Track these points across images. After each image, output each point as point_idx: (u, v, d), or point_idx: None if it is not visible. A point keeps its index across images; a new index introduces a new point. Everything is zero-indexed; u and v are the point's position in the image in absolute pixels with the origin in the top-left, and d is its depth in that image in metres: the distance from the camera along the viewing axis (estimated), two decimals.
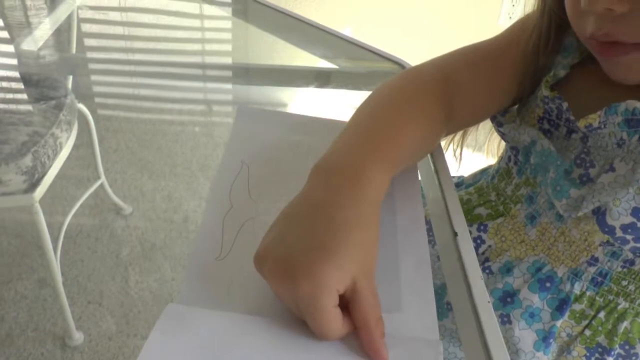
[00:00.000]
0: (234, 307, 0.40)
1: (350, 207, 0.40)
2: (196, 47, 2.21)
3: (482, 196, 0.66)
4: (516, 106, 0.63)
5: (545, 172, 0.56)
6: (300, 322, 0.37)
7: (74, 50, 1.31)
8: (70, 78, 1.29)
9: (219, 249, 0.44)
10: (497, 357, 0.39)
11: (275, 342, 0.36)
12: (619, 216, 0.50)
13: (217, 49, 2.22)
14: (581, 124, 0.53)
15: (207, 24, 2.15)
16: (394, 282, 0.43)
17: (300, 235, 0.38)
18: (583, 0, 0.46)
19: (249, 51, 2.16)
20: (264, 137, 0.57)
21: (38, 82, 1.21)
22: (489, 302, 0.43)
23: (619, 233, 0.51)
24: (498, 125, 0.62)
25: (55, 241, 1.50)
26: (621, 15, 0.45)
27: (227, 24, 2.17)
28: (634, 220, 0.50)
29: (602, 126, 0.52)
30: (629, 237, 0.51)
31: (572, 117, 0.54)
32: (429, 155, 0.58)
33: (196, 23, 2.15)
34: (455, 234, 0.48)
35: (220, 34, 2.23)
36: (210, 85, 2.21)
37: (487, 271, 0.61)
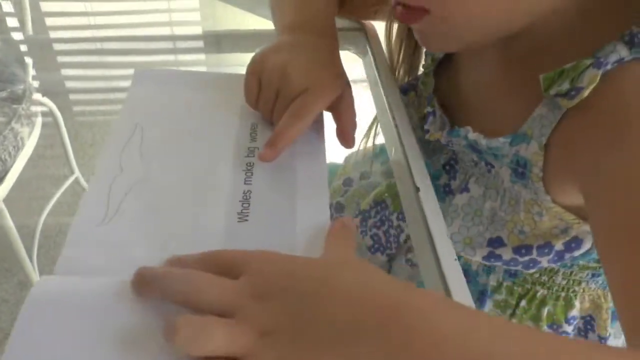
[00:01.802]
0: (115, 274, 0.36)
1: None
2: (165, 30, 2.15)
3: None
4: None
5: None
6: None
7: (30, 32, 1.24)
8: (30, 67, 1.24)
9: (104, 214, 0.41)
10: None
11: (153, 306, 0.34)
12: (475, 252, 0.50)
13: (187, 31, 2.16)
14: (431, 137, 0.52)
15: (174, 5, 2.10)
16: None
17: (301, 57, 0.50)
18: None
19: (218, 18, 2.10)
20: (161, 97, 0.54)
21: None
22: (455, 259, 0.39)
23: (486, 259, 0.50)
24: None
25: (31, 242, 1.46)
26: None
27: (195, 4, 2.11)
28: (491, 249, 0.49)
29: (450, 144, 0.50)
30: (498, 262, 0.50)
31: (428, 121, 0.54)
32: (388, 110, 0.54)
33: (163, 5, 2.10)
34: (417, 189, 0.45)
35: (188, 15, 2.17)
36: (181, 58, 2.15)
37: (410, 263, 0.59)
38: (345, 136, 0.50)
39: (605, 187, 0.37)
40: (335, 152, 0.67)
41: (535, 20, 0.42)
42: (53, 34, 2.02)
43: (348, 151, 0.77)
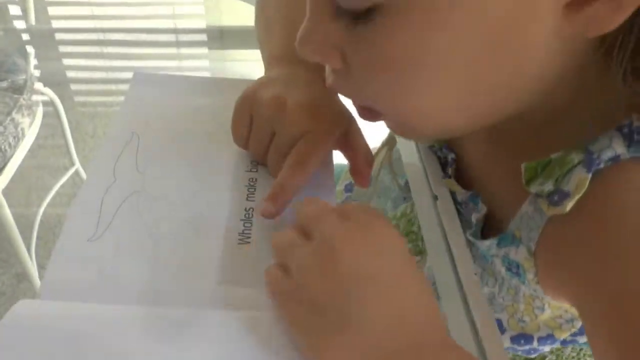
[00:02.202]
0: (103, 296, 0.35)
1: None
2: (168, 24, 2.13)
3: (409, 223, 0.56)
4: None
5: None
6: (167, 317, 0.33)
7: (32, 21, 1.23)
8: (32, 58, 1.22)
9: (94, 228, 0.38)
10: (485, 333, 0.34)
11: (141, 336, 0.31)
12: None
13: (191, 25, 2.14)
14: (448, 184, 0.47)
15: None
16: None
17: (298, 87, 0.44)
18: (298, 36, 0.35)
19: (222, 12, 2.09)
20: (160, 104, 0.51)
21: None
22: (475, 273, 0.38)
23: None
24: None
25: (30, 233, 1.45)
26: (340, 72, 0.35)
27: None
28: None
29: (462, 205, 0.46)
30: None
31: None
32: None
33: None
34: (435, 197, 0.43)
35: (192, 8, 2.15)
36: (186, 63, 2.14)
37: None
38: (361, 175, 0.45)
39: (597, 306, 0.33)
40: (340, 155, 0.65)
41: (520, 106, 0.35)
42: (55, 24, 2.00)
43: None
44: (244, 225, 0.40)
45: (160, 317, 0.33)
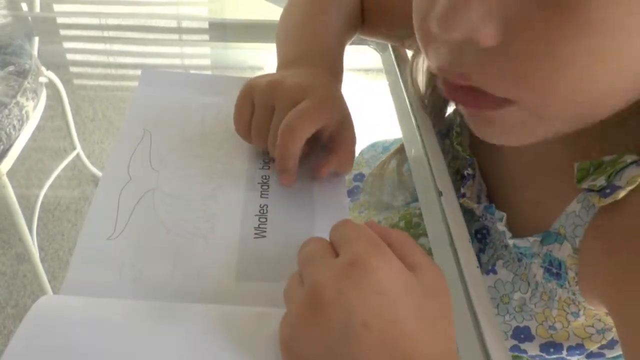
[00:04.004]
0: (125, 292, 0.36)
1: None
2: (171, 10, 2.12)
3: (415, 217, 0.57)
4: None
5: None
6: (186, 310, 0.34)
7: (37, 9, 1.23)
8: (36, 43, 1.22)
9: (113, 226, 0.39)
10: (486, 327, 0.36)
11: (160, 328, 0.32)
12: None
13: (193, 12, 2.14)
14: (464, 203, 0.46)
15: None
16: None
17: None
18: (434, 19, 0.29)
19: (226, 13, 2.09)
20: (170, 101, 0.51)
21: None
22: (477, 267, 0.40)
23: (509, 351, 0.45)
24: None
25: (31, 215, 1.45)
26: (486, 51, 0.29)
27: None
28: (516, 342, 0.45)
29: (483, 218, 0.47)
30: (523, 356, 0.46)
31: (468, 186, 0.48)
32: (410, 110, 0.54)
33: None
34: (440, 194, 0.45)
35: None
36: (188, 50, 2.13)
37: None
38: (342, 166, 0.45)
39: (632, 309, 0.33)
40: None
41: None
42: (57, 8, 1.99)
43: (364, 144, 0.77)
44: (259, 220, 0.41)
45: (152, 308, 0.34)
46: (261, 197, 0.43)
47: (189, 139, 0.48)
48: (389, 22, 0.58)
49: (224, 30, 0.84)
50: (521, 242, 0.42)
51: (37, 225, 1.48)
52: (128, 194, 0.42)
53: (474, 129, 0.37)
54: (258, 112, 0.44)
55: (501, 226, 0.43)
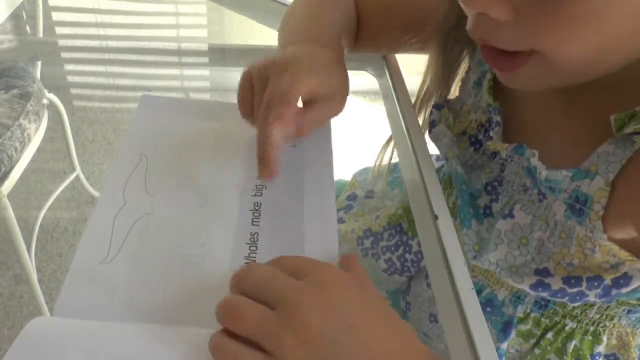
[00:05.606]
0: (117, 316, 0.36)
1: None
2: (171, 33, 2.15)
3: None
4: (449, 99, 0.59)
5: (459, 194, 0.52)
6: (177, 334, 0.35)
7: (40, 34, 1.25)
8: (39, 66, 1.24)
9: (106, 251, 0.40)
10: (482, 347, 0.37)
11: (151, 351, 0.33)
12: (522, 279, 0.47)
13: (193, 34, 2.17)
14: (491, 146, 0.50)
15: (182, 8, 2.10)
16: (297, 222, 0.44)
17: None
18: None
19: (225, 36, 2.12)
20: (168, 127, 0.52)
21: (2, 71, 1.16)
22: (472, 289, 0.41)
23: (533, 288, 0.48)
24: (431, 124, 0.58)
25: (30, 236, 1.46)
26: (498, 22, 0.37)
27: (202, 9, 2.11)
28: (539, 278, 0.47)
29: (509, 160, 0.49)
30: (546, 292, 0.48)
31: (492, 135, 0.51)
32: (406, 135, 0.55)
33: (171, 8, 2.10)
34: (436, 217, 0.46)
35: (195, 19, 2.17)
36: (187, 72, 2.16)
37: (430, 286, 0.58)
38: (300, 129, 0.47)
39: None
40: (342, 169, 0.67)
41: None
42: (59, 30, 2.02)
43: (357, 167, 0.78)
44: (249, 249, 0.42)
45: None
46: (252, 224, 0.44)
47: (184, 164, 0.48)
48: (384, 21, 0.62)
49: (224, 55, 0.86)
50: (554, 175, 0.44)
51: (35, 247, 1.48)
52: (123, 218, 0.43)
53: (504, 81, 0.43)
54: (257, 90, 0.46)
55: (535, 161, 0.45)
